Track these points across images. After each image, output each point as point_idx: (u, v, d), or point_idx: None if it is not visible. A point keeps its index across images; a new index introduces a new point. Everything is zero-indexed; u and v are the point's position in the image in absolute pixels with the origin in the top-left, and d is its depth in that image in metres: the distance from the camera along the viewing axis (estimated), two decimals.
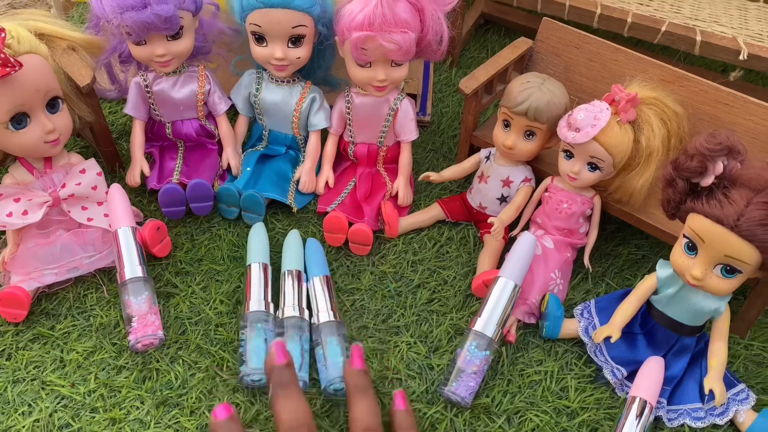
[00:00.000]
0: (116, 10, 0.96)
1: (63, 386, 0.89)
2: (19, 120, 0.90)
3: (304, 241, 1.05)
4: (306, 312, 0.95)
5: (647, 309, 0.94)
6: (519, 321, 0.98)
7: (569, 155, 0.98)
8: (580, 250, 1.06)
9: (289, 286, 0.97)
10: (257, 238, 1.04)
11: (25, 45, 0.88)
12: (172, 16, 0.98)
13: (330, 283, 0.99)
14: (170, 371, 0.91)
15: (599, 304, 0.99)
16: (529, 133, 1.01)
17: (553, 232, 1.03)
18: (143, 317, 0.92)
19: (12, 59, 0.83)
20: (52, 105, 0.93)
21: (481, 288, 0.99)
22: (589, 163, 0.96)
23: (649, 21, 1.24)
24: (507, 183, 1.06)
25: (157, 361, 0.92)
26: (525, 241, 0.95)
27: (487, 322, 0.90)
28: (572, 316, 0.99)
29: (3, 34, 0.83)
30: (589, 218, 1.04)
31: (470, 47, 1.55)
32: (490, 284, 0.94)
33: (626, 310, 0.93)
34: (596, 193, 1.02)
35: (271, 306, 0.95)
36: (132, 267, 0.95)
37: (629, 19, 1.25)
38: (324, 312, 0.94)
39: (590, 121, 0.92)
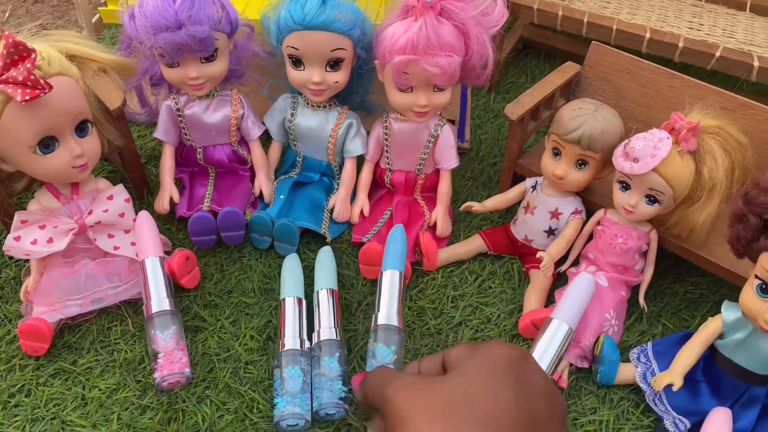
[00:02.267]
0: (150, 31, 0.93)
1: (84, 426, 0.84)
2: (47, 144, 0.86)
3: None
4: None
5: (711, 354, 0.87)
6: (571, 365, 0.91)
7: (625, 187, 0.92)
8: (634, 289, 0.98)
9: (324, 306, 0.93)
10: (291, 271, 0.99)
11: (55, 66, 0.85)
12: (207, 37, 0.94)
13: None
14: (197, 412, 0.86)
15: (657, 347, 0.91)
16: (581, 163, 0.95)
17: (607, 269, 0.96)
18: (170, 353, 0.87)
19: (42, 81, 0.80)
20: (81, 129, 0.89)
21: (529, 328, 0.92)
22: (648, 196, 0.90)
23: (702, 46, 1.18)
24: (555, 215, 1.00)
25: (184, 401, 0.87)
26: (583, 282, 0.87)
27: None
28: (627, 361, 0.92)
29: (34, 55, 0.79)
30: (644, 254, 0.97)
31: (509, 72, 1.49)
32: (541, 325, 0.87)
33: (689, 355, 0.85)
34: (653, 228, 0.95)
35: (306, 342, 0.90)
36: (159, 299, 0.90)
37: (681, 44, 1.19)
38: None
39: (649, 150, 0.86)
